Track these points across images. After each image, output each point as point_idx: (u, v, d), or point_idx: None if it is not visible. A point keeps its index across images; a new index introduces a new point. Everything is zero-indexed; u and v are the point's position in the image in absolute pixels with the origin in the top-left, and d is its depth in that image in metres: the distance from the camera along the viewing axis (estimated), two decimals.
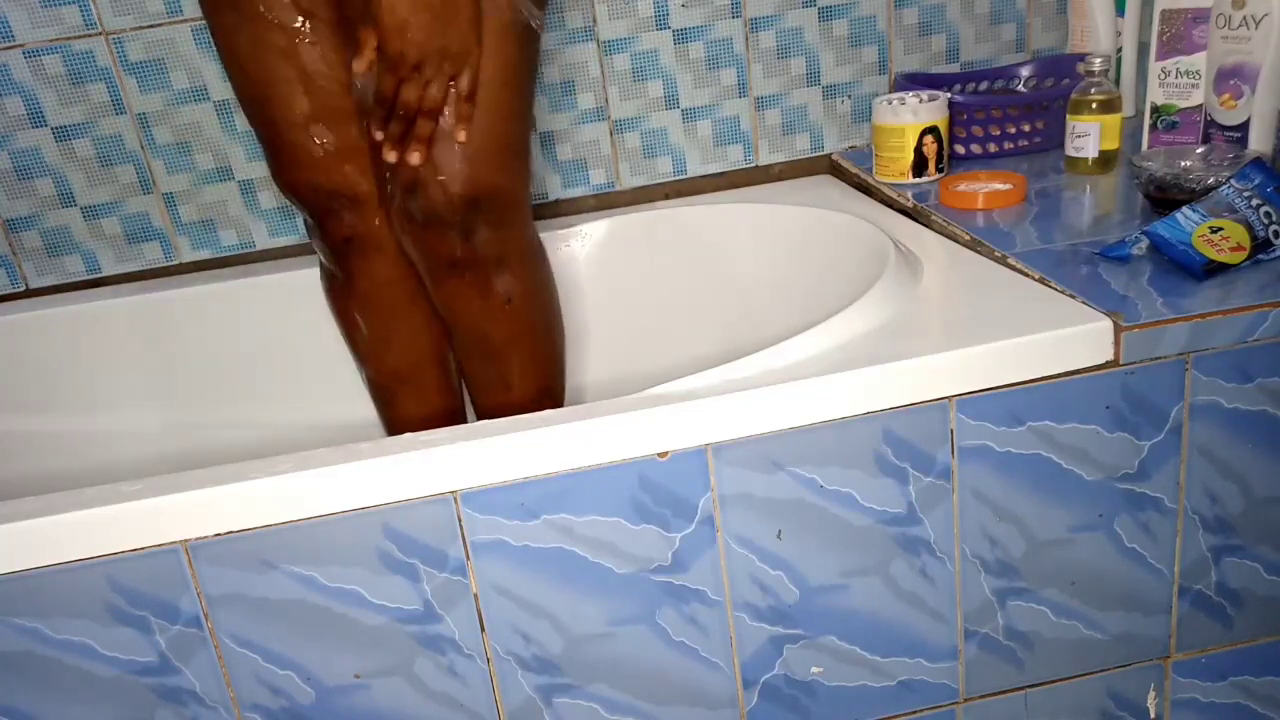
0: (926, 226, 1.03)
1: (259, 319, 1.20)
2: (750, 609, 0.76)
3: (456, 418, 1.07)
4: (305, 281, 1.12)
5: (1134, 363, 0.74)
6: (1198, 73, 1.03)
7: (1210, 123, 1.02)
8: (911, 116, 1.10)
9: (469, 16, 0.80)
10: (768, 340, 0.78)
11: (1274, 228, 0.80)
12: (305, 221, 1.00)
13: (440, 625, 0.73)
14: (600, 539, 0.72)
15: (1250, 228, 0.81)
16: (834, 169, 1.31)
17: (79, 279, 1.25)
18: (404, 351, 1.02)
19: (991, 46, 1.31)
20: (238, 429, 1.24)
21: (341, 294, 1.01)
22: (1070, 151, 1.09)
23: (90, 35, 1.14)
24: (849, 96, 1.30)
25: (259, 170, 1.22)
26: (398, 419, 1.05)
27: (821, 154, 1.33)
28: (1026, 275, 0.85)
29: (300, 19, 0.87)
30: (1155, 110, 1.08)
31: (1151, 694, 0.85)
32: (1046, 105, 1.18)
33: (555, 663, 0.75)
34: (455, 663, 0.74)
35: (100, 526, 0.67)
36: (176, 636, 0.70)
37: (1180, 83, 1.05)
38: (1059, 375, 0.74)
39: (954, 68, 1.31)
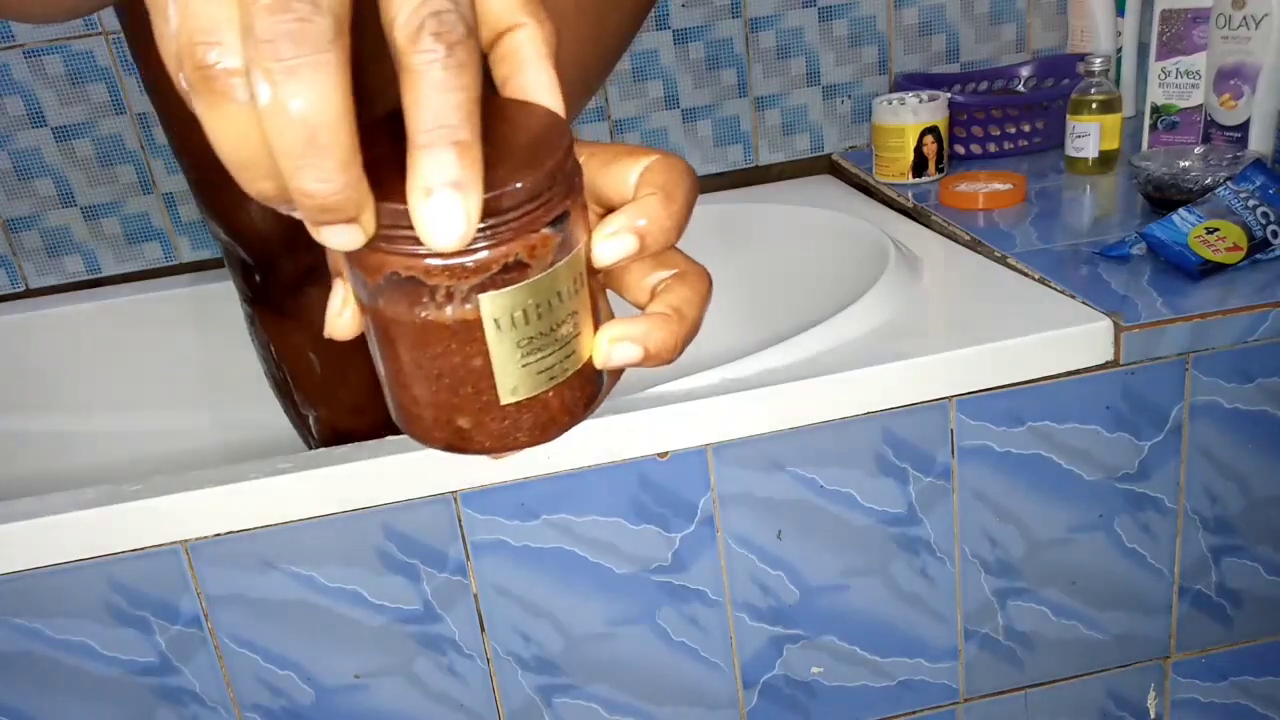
0: (926, 226, 1.03)
1: None
2: (750, 609, 0.76)
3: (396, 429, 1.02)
4: None
5: (1134, 363, 0.74)
6: (1198, 73, 1.03)
7: (1210, 123, 1.02)
8: (911, 116, 1.10)
9: None
10: (768, 340, 0.78)
11: (1272, 227, 0.80)
12: (241, 262, 0.89)
13: (440, 625, 0.73)
14: (600, 539, 0.72)
15: (1247, 228, 0.81)
16: (834, 169, 1.31)
17: (79, 279, 1.25)
18: (362, 377, 0.90)
19: (991, 46, 1.31)
20: (238, 429, 1.24)
21: (292, 335, 0.92)
22: (1070, 151, 1.09)
23: (90, 35, 1.14)
24: (849, 96, 1.30)
25: None
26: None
27: (821, 154, 1.33)
28: (1026, 275, 0.85)
29: None
30: (1155, 110, 1.08)
31: (1151, 694, 0.85)
32: (1046, 105, 1.18)
33: (555, 663, 0.75)
34: (455, 663, 0.74)
35: (100, 526, 0.67)
36: (176, 636, 0.70)
37: (1180, 83, 1.05)
38: (1059, 375, 0.74)
39: (954, 68, 1.31)
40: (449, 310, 0.26)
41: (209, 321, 1.21)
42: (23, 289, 1.25)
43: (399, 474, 0.69)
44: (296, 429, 1.02)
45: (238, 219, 0.86)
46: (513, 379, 0.28)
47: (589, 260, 0.29)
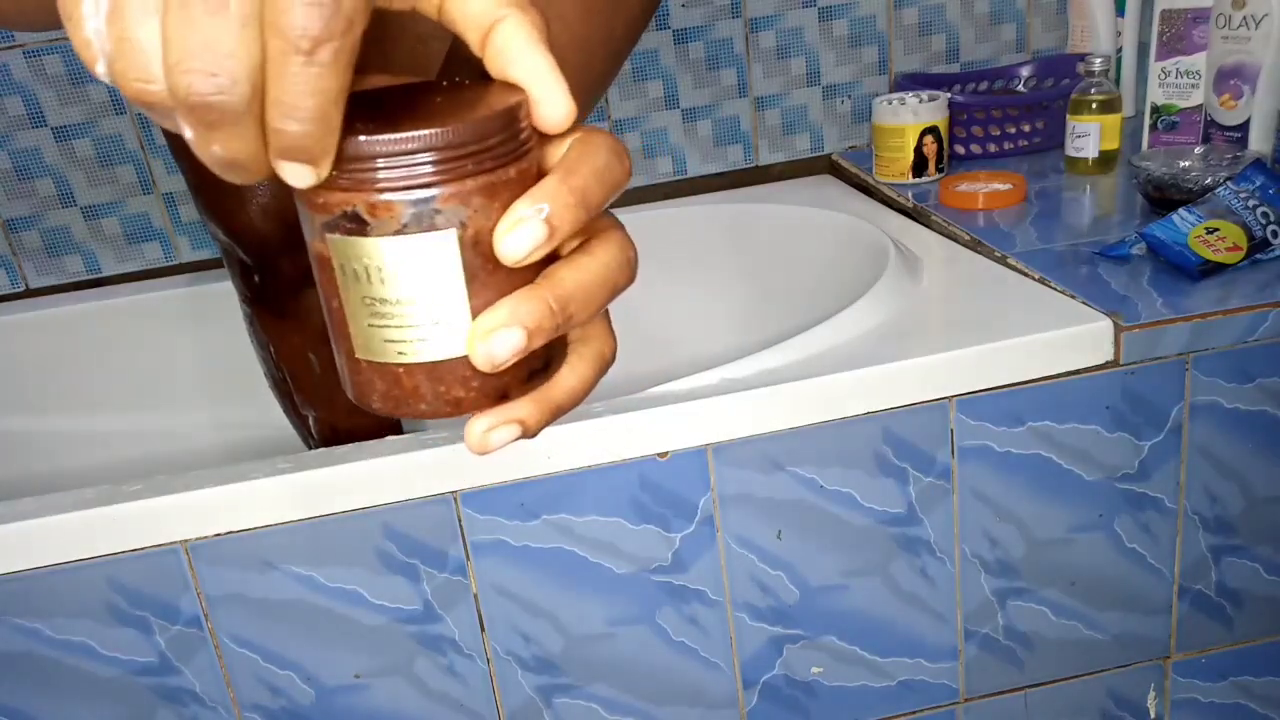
0: (926, 226, 1.03)
1: None
2: (750, 609, 0.76)
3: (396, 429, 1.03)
4: None
5: (1134, 363, 0.74)
6: (1198, 73, 1.03)
7: (1210, 123, 1.02)
8: (911, 116, 1.10)
9: None
10: (768, 340, 0.78)
11: (1272, 227, 0.80)
12: (240, 263, 0.90)
13: (440, 625, 0.73)
14: (600, 539, 0.72)
15: (1247, 228, 0.81)
16: (834, 169, 1.31)
17: (79, 279, 1.25)
18: None
19: (991, 46, 1.31)
20: (238, 429, 1.25)
21: (291, 336, 0.92)
22: (1070, 151, 1.09)
23: None
24: (849, 96, 1.30)
25: None
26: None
27: (821, 154, 1.33)
28: (1026, 275, 0.85)
29: None
30: (1155, 110, 1.08)
31: (1151, 694, 0.85)
32: (1046, 105, 1.18)
33: (555, 663, 0.75)
34: (455, 663, 0.74)
35: (100, 526, 0.67)
36: (176, 636, 0.70)
37: (1180, 83, 1.05)
38: (1059, 375, 0.74)
39: (954, 68, 1.31)
40: (315, 241, 0.28)
41: (209, 322, 1.21)
42: (23, 289, 1.25)
43: (399, 474, 0.69)
44: (296, 429, 1.02)
45: (237, 220, 0.86)
46: (360, 335, 0.28)
47: (490, 254, 0.27)
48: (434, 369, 0.28)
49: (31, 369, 1.20)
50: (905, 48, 1.29)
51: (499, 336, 0.27)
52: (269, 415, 1.22)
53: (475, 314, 0.28)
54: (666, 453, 0.71)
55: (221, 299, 1.20)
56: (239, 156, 0.25)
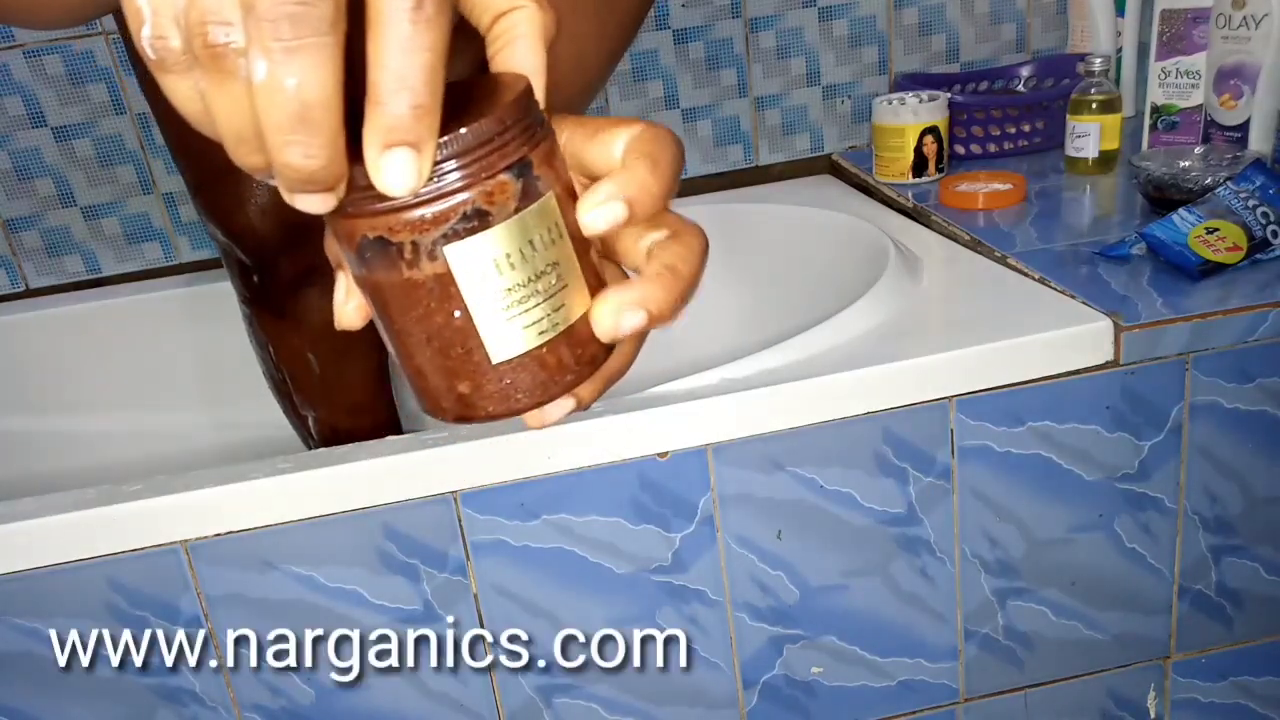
0: (926, 226, 1.03)
1: None
2: (750, 609, 0.76)
3: (396, 429, 1.03)
4: None
5: (1134, 363, 0.74)
6: (1198, 73, 1.03)
7: (1210, 123, 1.02)
8: (911, 116, 1.10)
9: None
10: (768, 340, 0.78)
11: (1272, 227, 0.80)
12: (239, 264, 0.90)
13: (440, 626, 0.73)
14: (600, 539, 0.72)
15: (1247, 228, 0.81)
16: (834, 169, 1.31)
17: (79, 279, 1.25)
18: (360, 378, 0.96)
19: (991, 46, 1.31)
20: (238, 429, 1.25)
21: (290, 336, 0.93)
22: (1070, 151, 1.09)
23: (90, 35, 1.14)
24: (849, 96, 1.30)
25: None
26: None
27: (821, 154, 1.33)
28: (1026, 275, 0.85)
29: None
30: (1155, 110, 1.08)
31: (1151, 694, 0.85)
32: (1046, 105, 1.18)
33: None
34: None
35: (100, 526, 0.67)
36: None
37: (1180, 83, 1.05)
38: (1059, 375, 0.74)
39: (954, 68, 1.31)
40: (421, 267, 0.27)
41: (209, 322, 1.21)
42: (23, 289, 1.25)
43: (399, 474, 0.68)
44: (296, 429, 1.02)
45: (236, 220, 0.86)
46: (499, 335, 0.28)
47: (574, 224, 0.29)
48: (570, 334, 0.29)
49: (31, 369, 1.20)
50: (905, 48, 1.29)
51: (628, 315, 0.29)
52: (269, 415, 1.22)
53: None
54: (666, 453, 0.71)
55: (221, 299, 1.19)
56: (316, 94, 0.23)
